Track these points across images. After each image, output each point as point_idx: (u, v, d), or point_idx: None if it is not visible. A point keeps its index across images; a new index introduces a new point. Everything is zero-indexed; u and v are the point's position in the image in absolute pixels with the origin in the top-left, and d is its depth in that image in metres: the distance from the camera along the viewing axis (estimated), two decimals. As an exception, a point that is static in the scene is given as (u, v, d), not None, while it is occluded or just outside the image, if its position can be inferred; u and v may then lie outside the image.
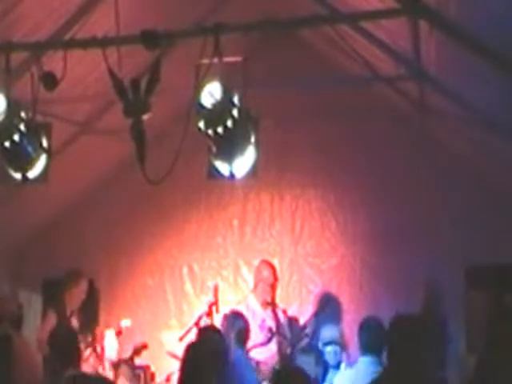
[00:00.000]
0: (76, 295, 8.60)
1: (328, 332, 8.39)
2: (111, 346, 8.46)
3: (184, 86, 6.37)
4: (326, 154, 9.19)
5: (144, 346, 8.47)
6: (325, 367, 8.08)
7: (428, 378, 4.92)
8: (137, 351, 8.43)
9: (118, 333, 8.48)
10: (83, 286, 8.66)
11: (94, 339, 8.38)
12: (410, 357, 4.80)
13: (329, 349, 8.30)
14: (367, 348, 7.33)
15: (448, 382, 6.69)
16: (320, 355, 8.17)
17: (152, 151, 6.19)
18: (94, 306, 9.21)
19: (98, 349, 8.36)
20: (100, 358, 8.34)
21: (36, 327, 8.88)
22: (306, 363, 7.45)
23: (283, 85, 8.40)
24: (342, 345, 8.39)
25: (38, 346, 8.10)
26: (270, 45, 8.72)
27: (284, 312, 8.56)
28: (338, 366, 8.26)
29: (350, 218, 9.18)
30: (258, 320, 8.39)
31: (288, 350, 8.19)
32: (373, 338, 7.28)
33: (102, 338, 8.47)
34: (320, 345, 8.34)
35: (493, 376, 4.50)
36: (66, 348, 6.45)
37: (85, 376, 6.51)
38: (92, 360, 8.24)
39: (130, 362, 8.41)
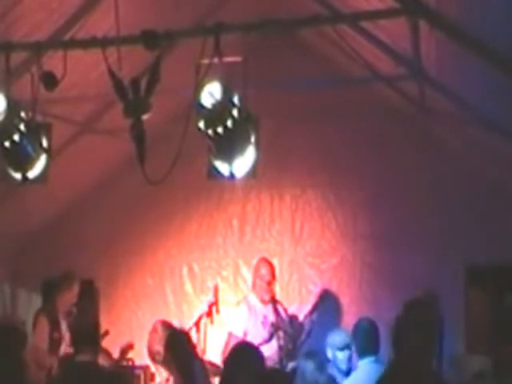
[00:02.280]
0: (68, 299, 8.57)
1: (339, 337, 7.96)
2: None
3: (184, 85, 6.37)
4: (326, 154, 9.18)
5: (130, 346, 8.43)
6: (329, 376, 7.59)
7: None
8: (123, 352, 8.38)
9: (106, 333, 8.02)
10: (75, 290, 8.63)
11: None
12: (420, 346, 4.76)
13: (340, 355, 7.87)
14: (364, 350, 7.31)
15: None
16: (323, 361, 7.59)
17: (152, 151, 6.20)
18: (94, 306, 9.18)
19: None
20: None
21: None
22: (307, 367, 7.33)
23: (283, 85, 8.39)
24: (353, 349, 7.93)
25: (33, 353, 8.04)
26: (270, 45, 8.70)
27: (285, 310, 8.56)
28: (348, 373, 7.85)
29: (350, 217, 9.17)
30: (260, 316, 8.40)
31: (290, 346, 8.17)
32: (368, 339, 7.28)
33: None
34: (329, 351, 7.92)
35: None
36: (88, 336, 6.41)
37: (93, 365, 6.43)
38: None
39: (120, 362, 8.35)
